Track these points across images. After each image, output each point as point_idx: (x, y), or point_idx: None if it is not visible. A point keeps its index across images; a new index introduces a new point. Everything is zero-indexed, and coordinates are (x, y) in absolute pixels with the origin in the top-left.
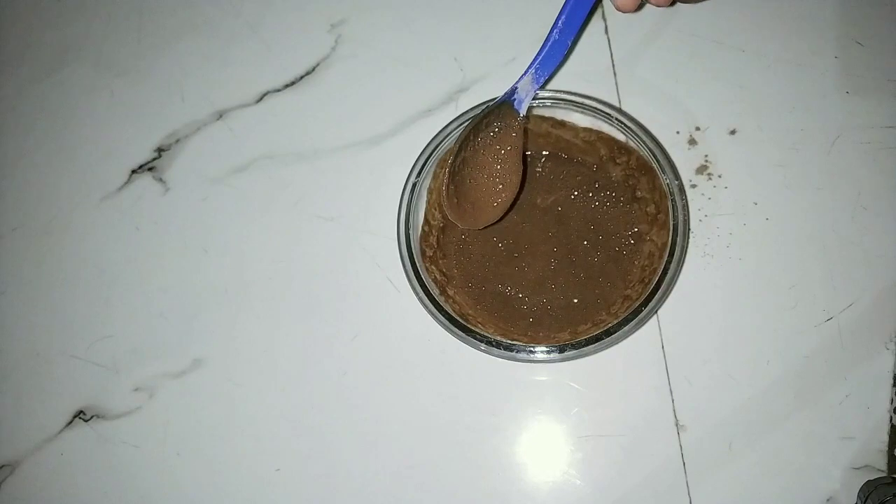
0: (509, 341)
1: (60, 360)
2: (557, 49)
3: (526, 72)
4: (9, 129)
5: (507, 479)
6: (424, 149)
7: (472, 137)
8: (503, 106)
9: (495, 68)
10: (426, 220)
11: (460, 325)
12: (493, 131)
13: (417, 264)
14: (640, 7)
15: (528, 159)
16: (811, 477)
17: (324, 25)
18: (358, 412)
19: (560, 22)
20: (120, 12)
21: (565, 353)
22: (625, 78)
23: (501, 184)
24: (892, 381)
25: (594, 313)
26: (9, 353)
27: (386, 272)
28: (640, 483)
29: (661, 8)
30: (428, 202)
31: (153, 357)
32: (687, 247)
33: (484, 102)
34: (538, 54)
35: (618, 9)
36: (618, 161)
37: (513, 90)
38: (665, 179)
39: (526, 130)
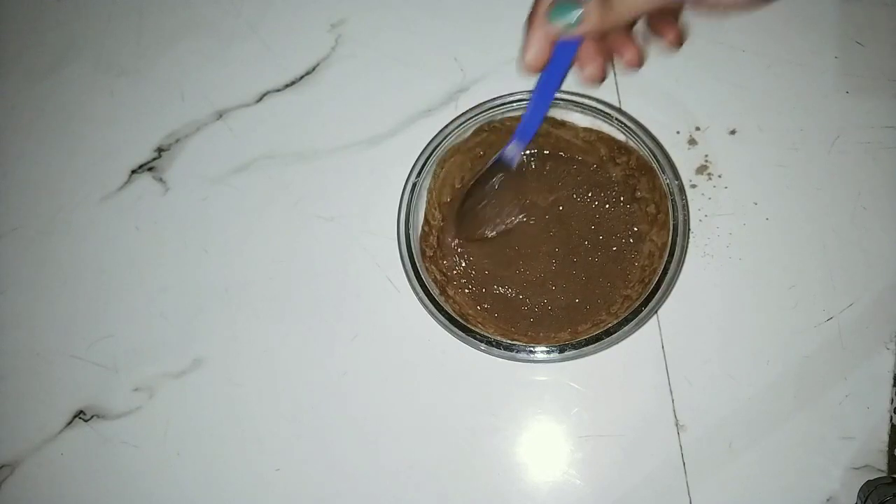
0: (509, 341)
1: (60, 360)
2: (536, 115)
3: (510, 142)
4: (9, 129)
5: (507, 479)
6: (424, 149)
7: (480, 182)
8: (498, 164)
9: (495, 68)
10: (426, 220)
11: (460, 325)
12: (498, 180)
13: (417, 264)
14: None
15: (529, 159)
16: (811, 477)
17: (324, 25)
18: (358, 412)
19: (535, 97)
20: (120, 12)
21: (565, 353)
22: (625, 78)
23: (501, 217)
24: (892, 381)
25: (594, 313)
26: (9, 353)
27: (386, 272)
28: (640, 483)
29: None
30: (428, 202)
31: (153, 357)
32: (687, 247)
33: (483, 102)
34: (520, 126)
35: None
36: (618, 161)
37: (501, 154)
38: (665, 179)
39: (522, 177)
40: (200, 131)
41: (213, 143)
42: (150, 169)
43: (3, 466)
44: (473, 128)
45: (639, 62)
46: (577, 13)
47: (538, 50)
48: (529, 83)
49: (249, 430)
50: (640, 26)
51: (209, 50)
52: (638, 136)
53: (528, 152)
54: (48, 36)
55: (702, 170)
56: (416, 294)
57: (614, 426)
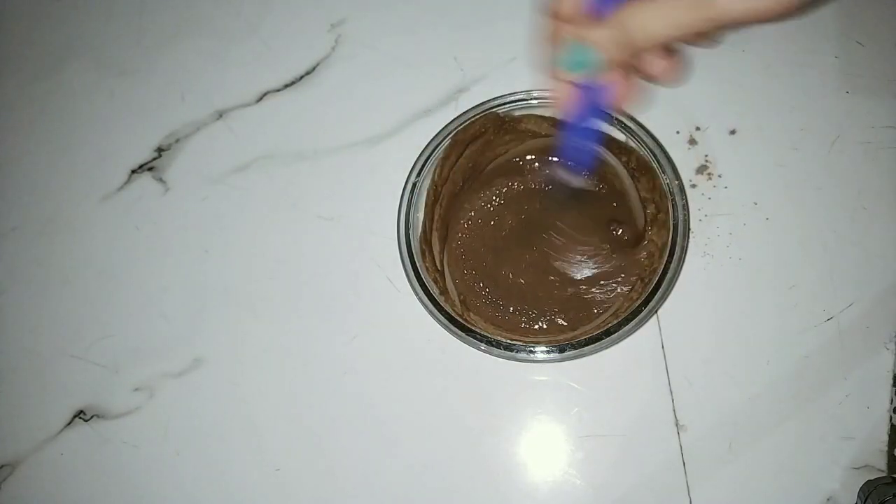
0: (509, 341)
1: (60, 360)
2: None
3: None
4: (9, 129)
5: (507, 479)
6: (424, 149)
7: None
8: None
9: (495, 68)
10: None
11: (460, 325)
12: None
13: (417, 264)
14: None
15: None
16: (811, 477)
17: (324, 25)
18: (358, 412)
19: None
20: (120, 12)
21: (565, 353)
22: None
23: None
24: (892, 381)
25: (594, 313)
26: (9, 353)
27: (386, 272)
28: (640, 483)
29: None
30: (427, 202)
31: (153, 357)
32: (687, 247)
33: (483, 102)
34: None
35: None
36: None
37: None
38: (665, 179)
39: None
40: (200, 131)
41: (213, 143)
42: (150, 169)
43: (3, 466)
44: None
45: (673, 75)
46: (592, 57)
47: (567, 96)
48: (529, 83)
49: (249, 430)
50: None
51: (209, 50)
52: (638, 136)
53: (529, 157)
54: (48, 36)
55: (702, 170)
56: (416, 294)
57: (614, 426)
